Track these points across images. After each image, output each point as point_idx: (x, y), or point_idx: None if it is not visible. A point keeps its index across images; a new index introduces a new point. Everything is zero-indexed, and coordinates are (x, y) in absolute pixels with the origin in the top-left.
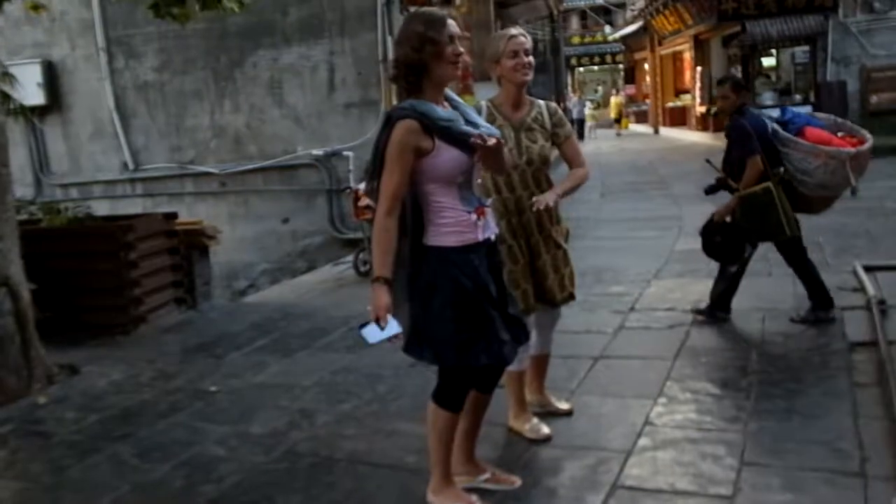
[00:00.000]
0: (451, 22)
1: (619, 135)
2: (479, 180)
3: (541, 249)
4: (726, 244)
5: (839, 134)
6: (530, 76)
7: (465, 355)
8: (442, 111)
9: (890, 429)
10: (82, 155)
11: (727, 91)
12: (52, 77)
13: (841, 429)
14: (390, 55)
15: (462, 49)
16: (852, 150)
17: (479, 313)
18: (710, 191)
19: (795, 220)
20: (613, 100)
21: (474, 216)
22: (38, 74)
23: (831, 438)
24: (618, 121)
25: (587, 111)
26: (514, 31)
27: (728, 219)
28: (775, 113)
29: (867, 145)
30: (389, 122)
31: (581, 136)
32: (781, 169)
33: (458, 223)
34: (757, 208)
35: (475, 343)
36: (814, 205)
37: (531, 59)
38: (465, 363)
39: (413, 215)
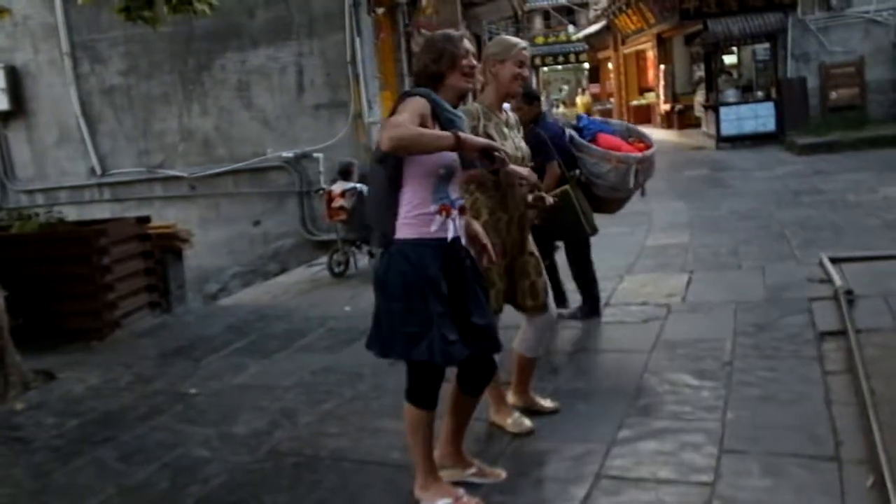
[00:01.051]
0: (467, 40)
1: None
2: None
3: (518, 251)
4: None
5: (630, 139)
6: (521, 90)
7: (408, 349)
8: (448, 106)
9: (861, 414)
10: (48, 160)
11: (519, 104)
12: (15, 82)
13: (815, 415)
14: (358, 56)
15: (476, 63)
16: (639, 154)
17: (424, 308)
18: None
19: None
20: (580, 99)
21: (436, 209)
22: (0, 79)
23: (806, 424)
24: None
25: (560, 110)
26: (524, 42)
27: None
28: (581, 121)
29: (652, 150)
30: (402, 97)
31: None
32: (578, 172)
33: (417, 217)
34: (557, 209)
35: (421, 338)
36: (609, 205)
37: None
38: (408, 357)
39: (388, 210)
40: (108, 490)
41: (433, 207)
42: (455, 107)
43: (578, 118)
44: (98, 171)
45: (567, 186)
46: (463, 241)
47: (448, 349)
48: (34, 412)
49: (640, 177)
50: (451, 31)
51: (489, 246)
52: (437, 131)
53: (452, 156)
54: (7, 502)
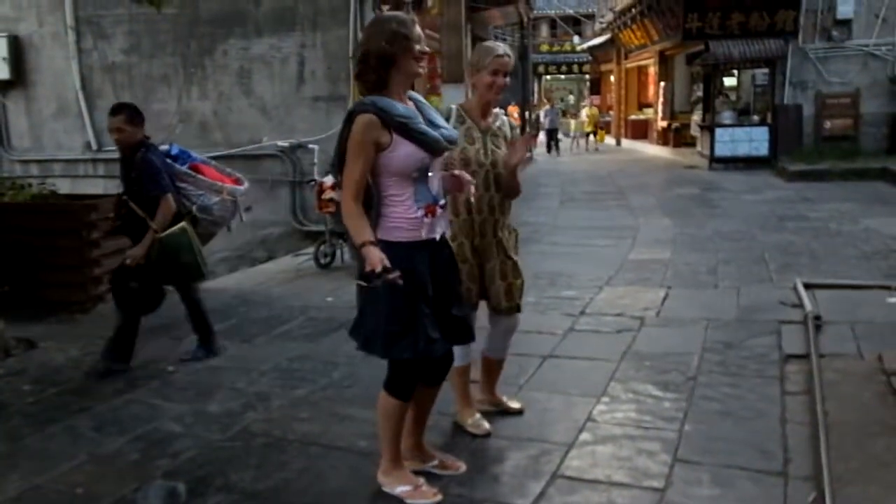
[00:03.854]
0: (417, 25)
1: (596, 149)
2: (439, 179)
3: (491, 253)
4: (143, 290)
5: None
6: (499, 97)
7: (390, 348)
8: (401, 107)
9: (813, 433)
10: (44, 132)
11: (122, 123)
12: (17, 52)
13: (769, 432)
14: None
15: (427, 49)
16: (241, 188)
17: (410, 310)
18: (116, 231)
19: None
20: (587, 111)
21: (422, 213)
22: (3, 48)
23: (759, 440)
24: (593, 133)
25: (582, 116)
26: (501, 49)
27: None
28: (173, 150)
29: (246, 185)
30: (350, 118)
31: (554, 145)
32: (194, 207)
33: (404, 220)
34: (173, 249)
35: (402, 338)
36: (202, 241)
37: (507, 80)
38: (389, 356)
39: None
40: (80, 457)
41: (419, 212)
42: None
43: (170, 146)
44: (94, 146)
45: (184, 223)
46: (439, 235)
47: (430, 347)
48: (13, 378)
49: (240, 211)
50: (402, 14)
51: (465, 176)
52: (361, 227)
53: (421, 155)
54: None
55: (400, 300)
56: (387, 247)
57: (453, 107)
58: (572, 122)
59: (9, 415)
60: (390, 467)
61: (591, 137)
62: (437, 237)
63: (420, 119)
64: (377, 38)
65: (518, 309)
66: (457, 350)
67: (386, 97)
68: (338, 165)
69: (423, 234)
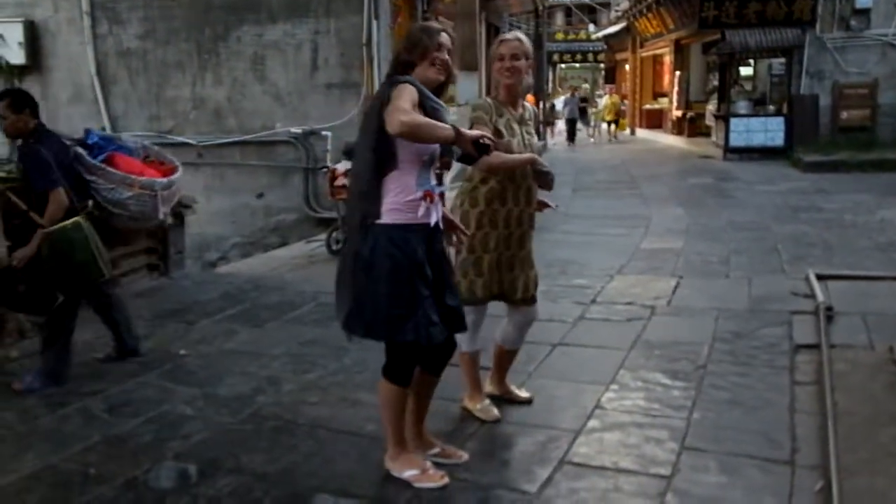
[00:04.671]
0: (444, 35)
1: (616, 138)
2: (439, 168)
3: (519, 244)
4: (33, 292)
5: (148, 160)
6: (514, 80)
7: (393, 331)
8: (432, 96)
9: (821, 423)
10: (60, 117)
11: (4, 110)
12: (33, 37)
13: (777, 421)
14: (374, 39)
15: (448, 58)
16: (164, 180)
17: (412, 291)
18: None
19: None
20: (607, 99)
21: (421, 198)
22: (19, 33)
23: (767, 429)
24: (614, 122)
25: (602, 103)
26: (508, 35)
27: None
28: (91, 138)
29: (178, 174)
30: (392, 83)
31: (572, 136)
32: (90, 202)
33: (403, 203)
34: (65, 247)
35: (406, 320)
36: (127, 239)
37: (519, 63)
38: (392, 339)
39: (369, 195)
40: (93, 437)
41: (418, 193)
42: (438, 96)
43: (87, 133)
44: (109, 131)
45: (79, 218)
46: (433, 222)
47: (432, 331)
48: (28, 360)
49: (165, 204)
50: (432, 25)
51: (460, 226)
52: (441, 124)
53: (435, 145)
54: None
55: (402, 282)
56: (385, 229)
57: (490, 101)
58: (591, 111)
59: (24, 396)
60: (396, 452)
61: (612, 126)
62: (432, 223)
63: (448, 111)
64: (403, 45)
65: (534, 300)
66: (465, 336)
67: None
68: (376, 127)
69: (420, 215)
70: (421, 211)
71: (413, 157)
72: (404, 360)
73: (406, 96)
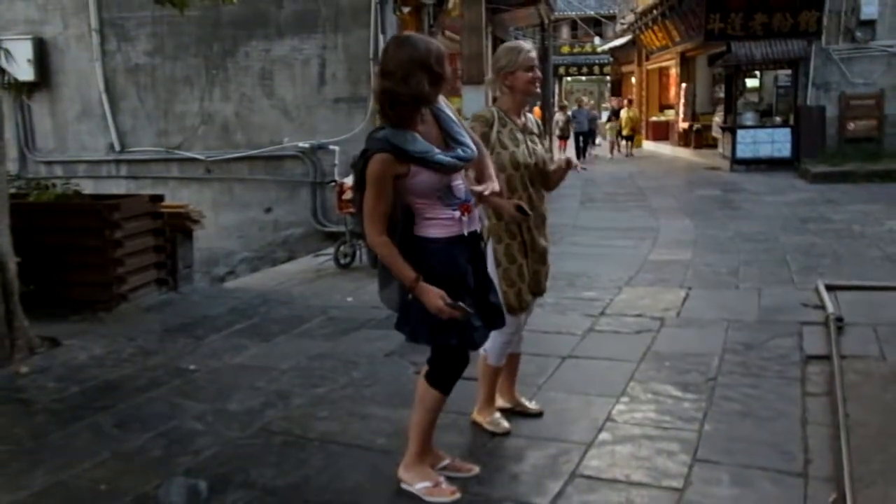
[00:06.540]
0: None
1: (631, 154)
2: (464, 180)
3: (536, 243)
4: None
5: None
6: (538, 90)
7: (437, 335)
8: (417, 145)
9: (834, 434)
10: (69, 133)
11: None
12: (42, 54)
13: (789, 433)
14: (381, 53)
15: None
16: None
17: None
18: None
19: None
20: (625, 113)
21: (458, 213)
22: (28, 51)
23: (780, 441)
24: (629, 138)
25: (622, 115)
26: (527, 45)
27: None
28: None
29: None
30: (365, 156)
31: (582, 152)
32: None
33: (443, 220)
34: None
35: (449, 327)
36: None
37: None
38: (436, 342)
39: (403, 210)
40: (102, 454)
41: (455, 212)
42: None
43: None
44: (117, 147)
45: None
46: (478, 228)
47: (474, 335)
48: (37, 376)
49: None
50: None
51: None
52: (404, 266)
53: (441, 177)
54: (5, 458)
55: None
56: (426, 243)
57: (494, 111)
58: (608, 126)
59: (34, 412)
60: (414, 461)
61: (628, 142)
62: (476, 230)
63: (435, 151)
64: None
65: (541, 293)
66: (495, 350)
67: (402, 129)
68: (358, 200)
69: (465, 231)
70: (464, 227)
71: (425, 196)
72: (450, 366)
73: (374, 192)
